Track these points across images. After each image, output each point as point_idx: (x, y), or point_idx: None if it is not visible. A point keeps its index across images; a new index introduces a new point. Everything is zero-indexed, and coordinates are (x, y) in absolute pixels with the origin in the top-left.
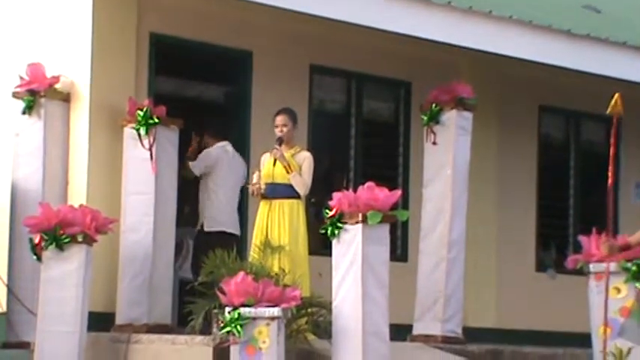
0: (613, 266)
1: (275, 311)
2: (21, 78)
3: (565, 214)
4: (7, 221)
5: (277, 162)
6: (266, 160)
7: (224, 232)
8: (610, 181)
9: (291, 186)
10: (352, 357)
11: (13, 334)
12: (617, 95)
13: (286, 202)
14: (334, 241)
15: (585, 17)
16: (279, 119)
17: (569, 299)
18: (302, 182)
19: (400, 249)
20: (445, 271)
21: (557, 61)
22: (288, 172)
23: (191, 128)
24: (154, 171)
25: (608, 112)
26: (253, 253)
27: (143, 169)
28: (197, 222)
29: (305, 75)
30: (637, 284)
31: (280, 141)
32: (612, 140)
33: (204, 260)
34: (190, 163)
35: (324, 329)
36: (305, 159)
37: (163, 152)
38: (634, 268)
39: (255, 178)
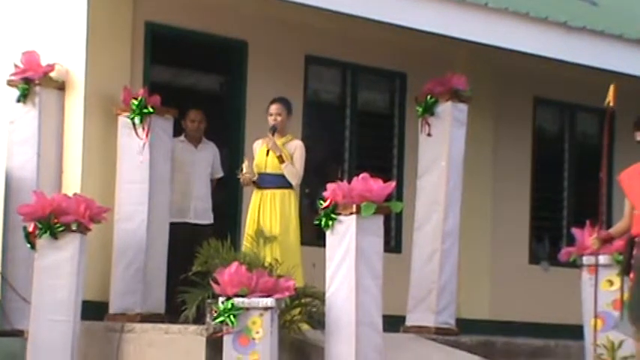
0: (606, 259)
1: (269, 301)
2: (16, 66)
3: (559, 207)
4: (0, 209)
5: (270, 151)
6: (258, 147)
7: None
8: (603, 172)
9: (282, 176)
10: (345, 347)
11: (7, 322)
12: (612, 86)
13: (278, 191)
14: (328, 232)
15: (581, 10)
16: (274, 108)
17: (562, 291)
18: (294, 172)
19: (394, 240)
20: (439, 262)
21: (553, 53)
22: (281, 162)
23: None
24: (143, 159)
25: (605, 103)
26: (246, 243)
27: (137, 159)
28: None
29: (300, 65)
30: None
31: (274, 130)
32: (606, 131)
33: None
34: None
35: (318, 320)
36: (296, 148)
37: (158, 141)
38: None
39: (244, 168)
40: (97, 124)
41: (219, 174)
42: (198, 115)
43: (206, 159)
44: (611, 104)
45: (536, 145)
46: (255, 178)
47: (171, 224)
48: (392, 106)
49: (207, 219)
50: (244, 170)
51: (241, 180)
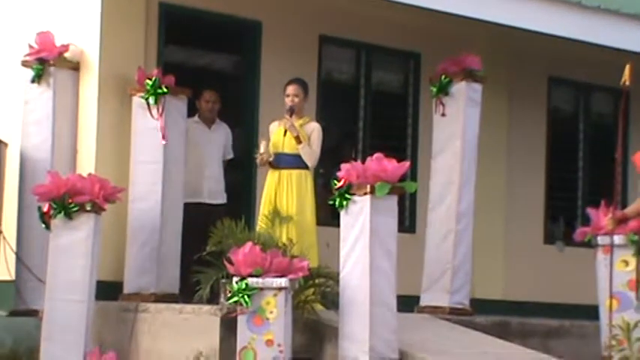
0: (621, 239)
1: (283, 282)
2: (30, 46)
3: (574, 187)
4: (16, 189)
5: (287, 132)
6: (275, 129)
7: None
8: (619, 152)
9: (299, 156)
10: (359, 328)
11: (22, 302)
12: (628, 65)
13: (294, 172)
14: (342, 212)
15: None
16: (291, 89)
17: (577, 272)
18: (311, 153)
19: (408, 220)
20: (453, 242)
21: (568, 32)
22: (298, 143)
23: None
24: (165, 140)
25: (621, 82)
26: (261, 223)
27: (152, 139)
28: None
29: (314, 45)
30: None
31: (292, 111)
32: (622, 110)
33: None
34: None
35: (332, 300)
36: (314, 130)
37: (172, 122)
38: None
39: (262, 148)
40: (111, 104)
41: (230, 155)
42: (212, 95)
43: (219, 140)
44: (627, 83)
45: (551, 125)
46: (271, 159)
47: (185, 204)
48: (406, 86)
49: (221, 199)
50: (262, 150)
51: (258, 160)
